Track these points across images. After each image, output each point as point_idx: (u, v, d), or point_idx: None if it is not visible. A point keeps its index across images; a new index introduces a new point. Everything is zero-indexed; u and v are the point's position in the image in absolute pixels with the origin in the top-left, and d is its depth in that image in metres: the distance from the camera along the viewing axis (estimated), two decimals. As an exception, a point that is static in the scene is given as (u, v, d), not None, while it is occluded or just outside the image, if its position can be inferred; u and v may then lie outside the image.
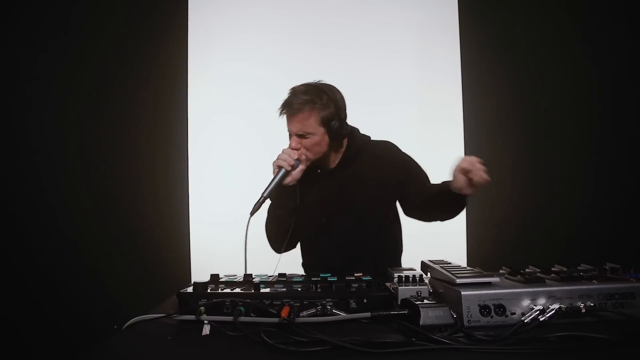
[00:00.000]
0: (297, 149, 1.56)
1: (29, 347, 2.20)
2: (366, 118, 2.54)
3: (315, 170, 1.70)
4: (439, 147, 2.64)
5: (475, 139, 2.66)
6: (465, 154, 2.64)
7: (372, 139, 1.76)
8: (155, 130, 2.58)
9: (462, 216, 2.61)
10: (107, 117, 2.51)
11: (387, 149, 1.74)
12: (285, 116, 1.58)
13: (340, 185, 1.67)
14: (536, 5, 2.64)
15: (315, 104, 1.55)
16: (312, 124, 1.56)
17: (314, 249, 1.76)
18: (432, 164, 2.59)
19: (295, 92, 1.58)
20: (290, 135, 1.60)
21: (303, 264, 1.82)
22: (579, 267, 1.22)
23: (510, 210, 2.56)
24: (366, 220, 1.66)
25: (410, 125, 2.66)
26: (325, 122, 1.57)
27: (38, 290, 2.28)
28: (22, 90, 2.40)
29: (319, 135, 1.57)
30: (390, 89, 2.69)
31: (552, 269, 1.21)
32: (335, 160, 1.68)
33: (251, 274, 1.20)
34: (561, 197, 2.51)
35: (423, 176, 1.71)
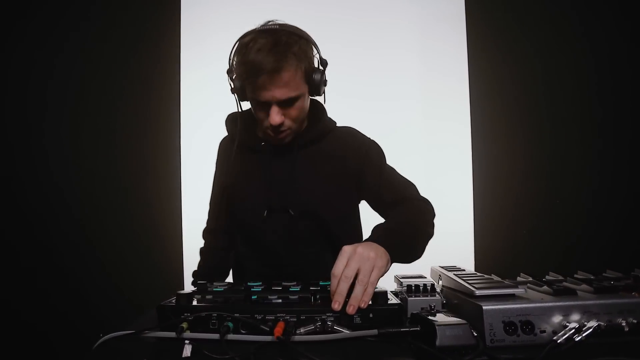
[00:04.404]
0: (281, 123, 1.19)
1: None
2: (369, 115, 2.45)
3: (257, 141, 1.33)
4: (444, 145, 2.54)
5: (483, 137, 2.54)
6: (472, 153, 2.53)
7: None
8: (148, 130, 2.48)
9: (469, 216, 2.54)
10: (98, 117, 2.41)
11: (352, 133, 1.40)
12: (252, 81, 1.13)
13: (292, 168, 1.30)
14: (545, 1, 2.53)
15: (295, 54, 1.14)
16: (299, 82, 1.17)
17: (253, 251, 1.36)
18: (437, 162, 2.53)
19: (260, 43, 1.11)
20: (260, 105, 1.19)
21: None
22: (605, 274, 1.11)
23: (521, 211, 2.44)
24: (321, 216, 1.31)
25: (414, 122, 2.54)
26: (308, 76, 1.19)
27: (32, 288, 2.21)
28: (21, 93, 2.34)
29: (304, 97, 1.21)
30: (394, 86, 2.58)
31: (576, 276, 1.09)
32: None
33: (243, 283, 1.08)
34: (575, 197, 2.39)
35: (386, 172, 1.35)
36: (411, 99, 2.57)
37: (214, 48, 2.56)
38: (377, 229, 1.13)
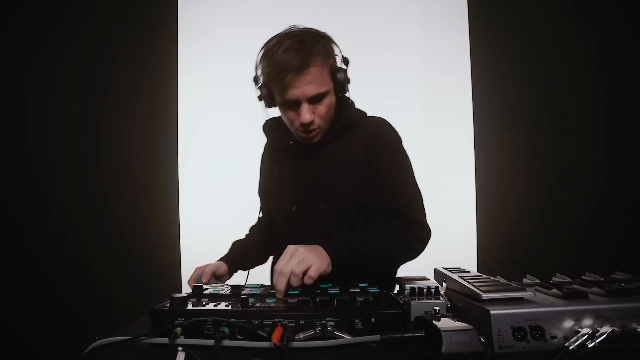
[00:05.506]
0: (311, 121, 1.20)
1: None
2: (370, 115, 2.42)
3: (286, 141, 1.35)
4: (447, 145, 2.50)
5: (485, 136, 2.51)
6: (475, 152, 2.50)
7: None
8: (145, 129, 2.44)
9: (471, 216, 2.50)
10: (92, 116, 2.38)
11: (378, 123, 1.36)
12: (280, 81, 1.16)
13: (319, 163, 1.30)
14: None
15: (320, 52, 1.17)
16: (326, 79, 1.19)
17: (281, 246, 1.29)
18: (439, 162, 2.49)
19: (284, 44, 1.15)
20: (290, 105, 1.20)
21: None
22: (614, 276, 1.07)
23: (525, 211, 2.41)
24: (346, 209, 1.29)
25: (416, 122, 2.51)
26: (333, 73, 1.22)
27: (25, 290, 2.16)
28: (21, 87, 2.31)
29: (331, 94, 1.23)
30: (396, 85, 2.54)
31: (585, 277, 1.06)
32: None
33: (240, 285, 1.05)
34: (579, 197, 2.35)
35: (396, 172, 1.30)
36: (413, 98, 2.54)
37: (212, 46, 2.56)
38: (338, 236, 1.18)
